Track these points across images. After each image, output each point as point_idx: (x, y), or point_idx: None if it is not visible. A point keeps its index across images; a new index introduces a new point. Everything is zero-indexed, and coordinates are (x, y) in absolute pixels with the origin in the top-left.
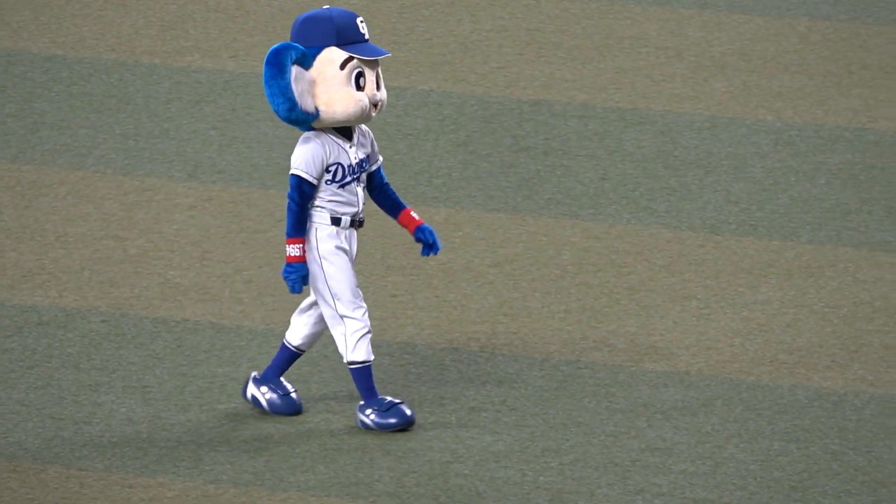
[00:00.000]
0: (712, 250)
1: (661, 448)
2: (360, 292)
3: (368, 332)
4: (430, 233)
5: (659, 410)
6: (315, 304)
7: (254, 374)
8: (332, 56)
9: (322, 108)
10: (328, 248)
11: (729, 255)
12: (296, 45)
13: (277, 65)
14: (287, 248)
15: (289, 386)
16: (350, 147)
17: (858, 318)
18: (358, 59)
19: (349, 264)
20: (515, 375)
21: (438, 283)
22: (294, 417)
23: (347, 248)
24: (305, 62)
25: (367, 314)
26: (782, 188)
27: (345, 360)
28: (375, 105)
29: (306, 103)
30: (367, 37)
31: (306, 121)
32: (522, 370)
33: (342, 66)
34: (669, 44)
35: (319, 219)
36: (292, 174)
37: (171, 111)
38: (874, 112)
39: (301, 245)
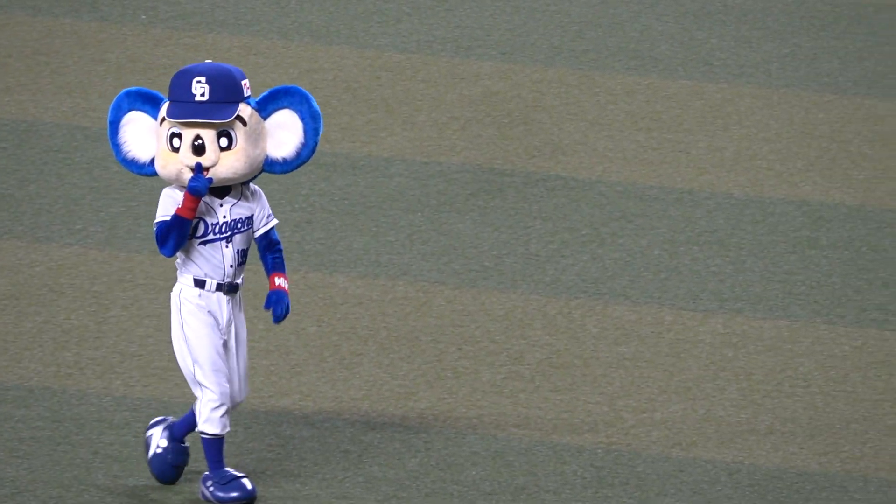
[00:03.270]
0: None
1: None
2: (223, 361)
3: (223, 405)
4: (275, 302)
5: None
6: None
7: (171, 419)
8: (160, 112)
9: (155, 159)
10: (190, 310)
11: None
12: (140, 90)
13: (114, 109)
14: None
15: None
16: (220, 204)
17: None
18: (167, 119)
19: (213, 329)
20: None
21: None
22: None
23: (214, 311)
24: (154, 111)
25: (226, 385)
26: None
27: (197, 429)
28: (198, 171)
29: (139, 150)
30: (199, 97)
31: (142, 167)
32: None
33: (160, 123)
34: None
35: (184, 279)
36: (154, 223)
37: None
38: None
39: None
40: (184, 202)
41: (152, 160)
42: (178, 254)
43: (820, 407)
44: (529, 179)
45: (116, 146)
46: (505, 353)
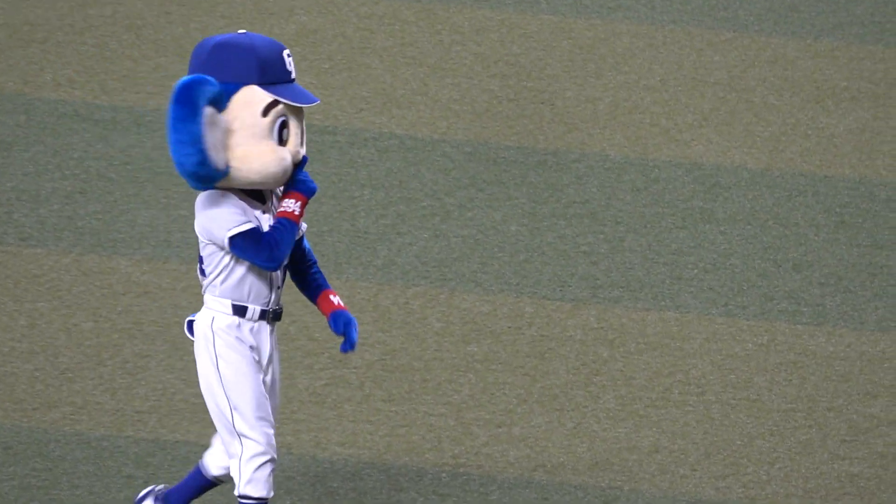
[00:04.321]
0: None
1: None
2: (268, 406)
3: (269, 460)
4: (345, 322)
5: None
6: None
7: (161, 487)
8: (252, 98)
9: (235, 163)
10: (226, 343)
11: None
12: (210, 79)
13: (189, 104)
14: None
15: None
16: (264, 213)
17: None
18: (284, 104)
19: (254, 367)
20: None
21: None
22: None
23: (254, 344)
24: (220, 103)
25: (271, 432)
26: None
27: (236, 492)
28: (297, 165)
29: (217, 157)
30: (293, 76)
31: (213, 179)
32: None
33: (265, 113)
34: None
35: (218, 306)
36: (230, 238)
37: None
38: None
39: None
40: (302, 206)
41: (225, 164)
42: (212, 275)
43: (717, 419)
44: (356, 138)
45: (202, 153)
46: (326, 353)
